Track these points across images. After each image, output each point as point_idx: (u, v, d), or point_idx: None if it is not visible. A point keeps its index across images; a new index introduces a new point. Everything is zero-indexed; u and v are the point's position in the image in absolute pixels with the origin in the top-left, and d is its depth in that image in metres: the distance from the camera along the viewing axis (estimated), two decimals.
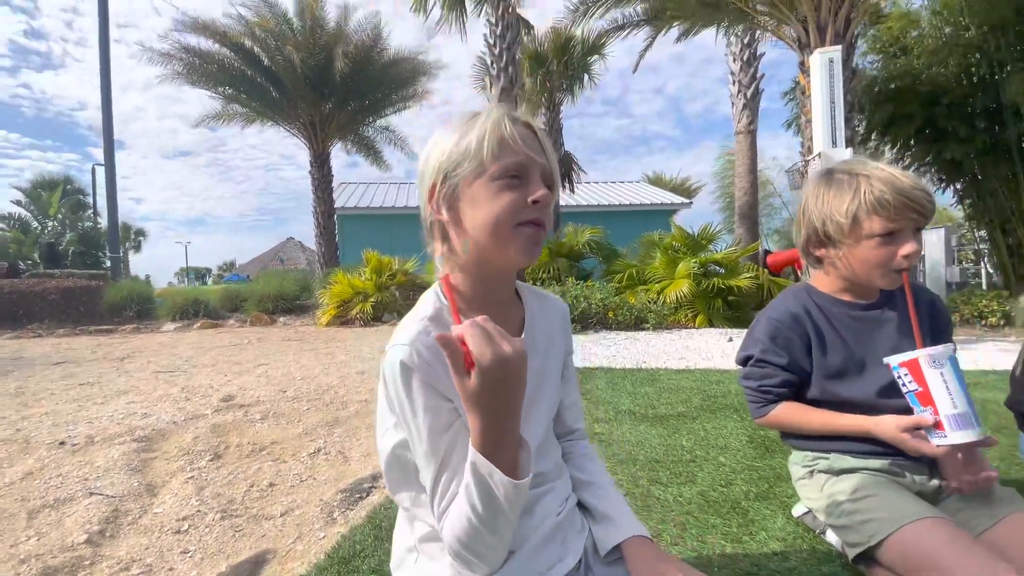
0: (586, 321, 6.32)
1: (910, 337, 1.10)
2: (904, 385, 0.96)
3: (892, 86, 6.76)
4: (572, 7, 7.98)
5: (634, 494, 1.54)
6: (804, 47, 5.79)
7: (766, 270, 7.33)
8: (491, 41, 9.21)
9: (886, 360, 0.99)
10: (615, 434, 2.13)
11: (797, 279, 7.23)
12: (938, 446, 0.93)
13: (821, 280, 1.21)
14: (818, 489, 1.16)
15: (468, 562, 0.64)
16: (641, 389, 2.95)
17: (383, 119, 14.24)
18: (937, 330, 1.16)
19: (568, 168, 12.21)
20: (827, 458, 1.16)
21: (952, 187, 7.50)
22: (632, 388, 2.98)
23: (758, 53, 10.92)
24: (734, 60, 11.05)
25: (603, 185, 19.84)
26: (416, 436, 0.66)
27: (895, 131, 6.95)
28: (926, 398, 0.93)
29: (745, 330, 1.34)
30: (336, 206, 13.58)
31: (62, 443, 2.25)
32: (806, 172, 5.68)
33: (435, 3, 10.04)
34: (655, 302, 6.67)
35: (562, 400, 0.90)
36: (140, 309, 9.02)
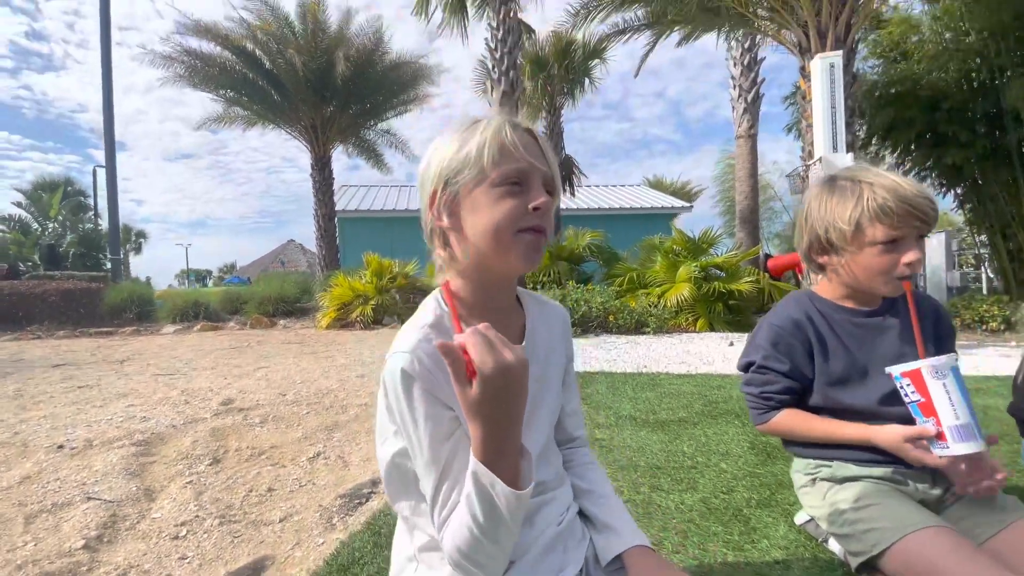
0: (586, 325, 6.32)
1: (912, 344, 1.10)
2: (906, 395, 0.96)
3: (893, 91, 6.78)
4: (573, 11, 8.01)
5: (635, 501, 1.53)
6: (805, 52, 5.80)
7: (767, 274, 7.32)
8: (492, 45, 9.24)
9: (888, 370, 0.98)
10: (616, 440, 2.12)
11: (798, 283, 7.23)
12: (940, 457, 0.93)
13: (823, 286, 1.20)
14: (820, 497, 1.15)
15: (468, 572, 0.63)
16: (642, 394, 2.94)
17: (384, 122, 14.30)
18: (940, 338, 1.16)
19: (569, 171, 12.23)
20: (830, 466, 1.15)
21: (953, 192, 7.50)
22: (633, 393, 2.97)
23: (759, 57, 10.96)
24: (735, 64, 11.08)
25: (604, 188, 19.86)
26: (416, 445, 0.66)
27: (896, 136, 6.96)
28: (928, 409, 0.92)
29: (746, 334, 1.34)
30: (337, 209, 13.61)
31: (60, 447, 2.24)
32: (807, 177, 5.68)
33: (436, 7, 10.08)
34: (656, 306, 6.66)
35: (563, 407, 0.89)
36: (140, 311, 9.02)
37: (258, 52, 11.71)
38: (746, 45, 10.70)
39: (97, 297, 9.09)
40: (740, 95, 11.03)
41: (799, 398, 1.18)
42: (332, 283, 8.50)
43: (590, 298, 6.48)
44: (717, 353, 4.55)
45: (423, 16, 10.18)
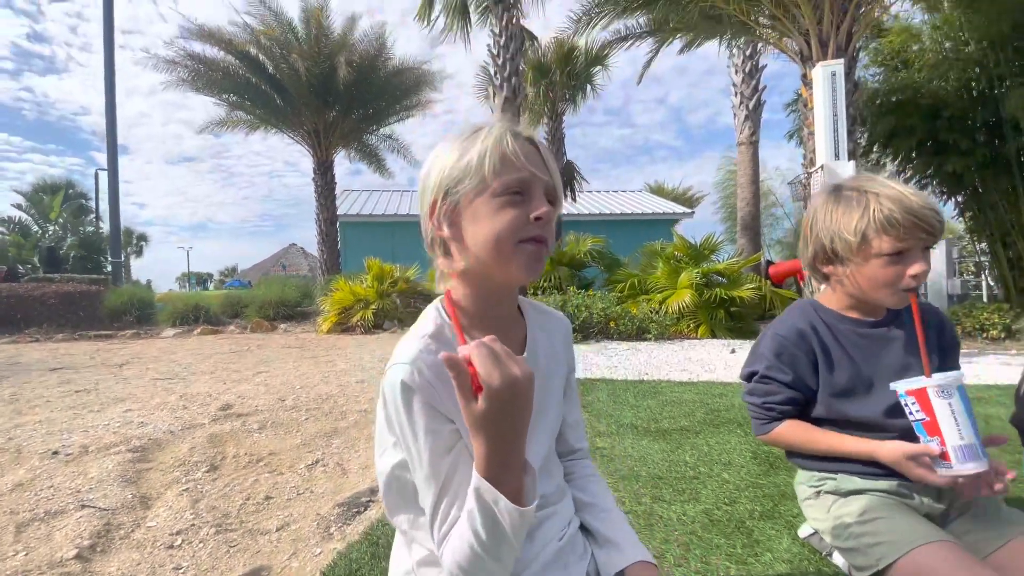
0: (587, 331, 6.30)
1: (917, 356, 1.08)
2: (911, 413, 0.95)
3: (894, 99, 6.80)
4: (575, 17, 8.05)
5: (637, 512, 1.51)
6: (806, 60, 5.82)
7: (768, 281, 7.32)
8: (495, 51, 9.28)
9: (893, 386, 0.97)
10: (617, 449, 2.11)
11: (799, 290, 7.22)
12: (942, 476, 0.92)
13: (828, 296, 1.19)
14: (825, 510, 1.14)
15: None
16: (643, 402, 2.92)
17: (386, 127, 14.35)
18: (944, 348, 1.14)
19: (570, 177, 12.25)
20: (834, 478, 1.13)
21: (953, 200, 7.51)
22: (634, 401, 2.95)
23: (760, 65, 11.01)
24: (736, 72, 11.13)
25: (605, 194, 19.89)
26: (416, 458, 0.64)
27: (897, 143, 6.98)
28: (933, 428, 0.91)
29: (747, 341, 1.33)
30: (339, 213, 13.62)
31: (55, 453, 2.22)
32: (808, 184, 5.68)
33: (439, 13, 10.14)
34: (657, 312, 6.65)
35: (564, 418, 0.88)
36: (140, 314, 9.01)
37: (261, 57, 11.77)
38: (748, 53, 10.75)
39: (97, 300, 9.09)
40: (742, 102, 11.07)
41: (802, 409, 1.17)
42: (333, 287, 8.51)
43: (591, 304, 6.47)
44: (719, 360, 4.53)
45: (426, 22, 10.24)
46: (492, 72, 9.48)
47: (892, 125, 6.79)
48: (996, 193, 6.74)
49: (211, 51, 11.52)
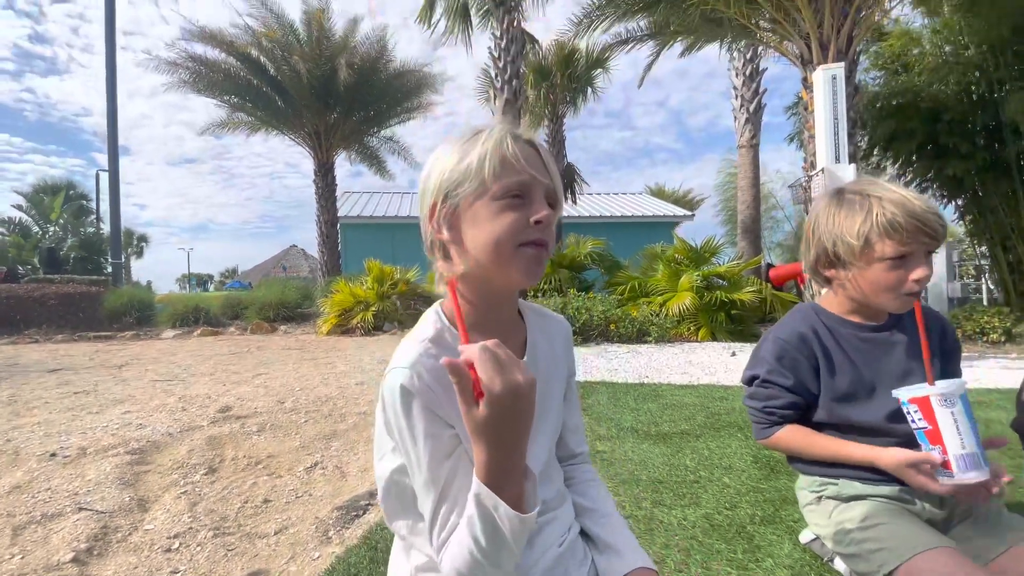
0: (588, 333, 6.29)
1: (919, 360, 1.08)
2: (913, 421, 0.94)
3: (894, 102, 6.81)
4: (576, 20, 8.06)
5: (637, 517, 1.50)
6: (807, 63, 5.83)
7: (769, 284, 7.31)
8: (496, 54, 9.31)
9: (895, 394, 0.97)
10: (618, 452, 2.10)
11: (800, 293, 7.21)
12: (943, 484, 0.91)
13: (829, 300, 1.19)
14: (826, 516, 1.13)
15: None
16: (644, 405, 2.91)
17: (387, 129, 14.37)
18: (946, 352, 1.14)
19: (571, 179, 12.26)
20: (835, 484, 1.13)
21: (953, 203, 7.52)
22: (635, 404, 2.95)
23: (760, 68, 11.03)
24: (737, 75, 11.15)
25: (606, 196, 19.90)
26: (415, 463, 0.64)
27: (897, 147, 6.98)
28: (935, 436, 0.91)
29: (748, 344, 1.32)
30: (339, 215, 13.64)
31: (53, 455, 2.21)
32: (809, 187, 5.68)
33: (440, 16, 10.17)
34: (657, 315, 6.64)
35: (565, 423, 0.87)
36: (140, 315, 9.00)
37: (263, 59, 11.79)
38: (748, 56, 10.78)
39: (97, 301, 9.08)
40: (742, 105, 11.08)
41: (803, 413, 1.16)
42: (333, 289, 8.51)
43: (591, 306, 6.47)
44: (719, 363, 4.53)
45: (427, 25, 10.27)
46: (493, 74, 9.51)
47: (892, 128, 6.80)
48: (996, 197, 6.74)
49: (212, 53, 11.56)
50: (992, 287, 8.27)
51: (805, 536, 1.29)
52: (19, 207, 22.55)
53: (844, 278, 1.09)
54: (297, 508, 1.72)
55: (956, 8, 6.45)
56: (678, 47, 8.47)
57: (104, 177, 15.38)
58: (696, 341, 6.35)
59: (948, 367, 1.12)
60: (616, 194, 20.62)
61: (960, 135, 6.51)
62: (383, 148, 14.69)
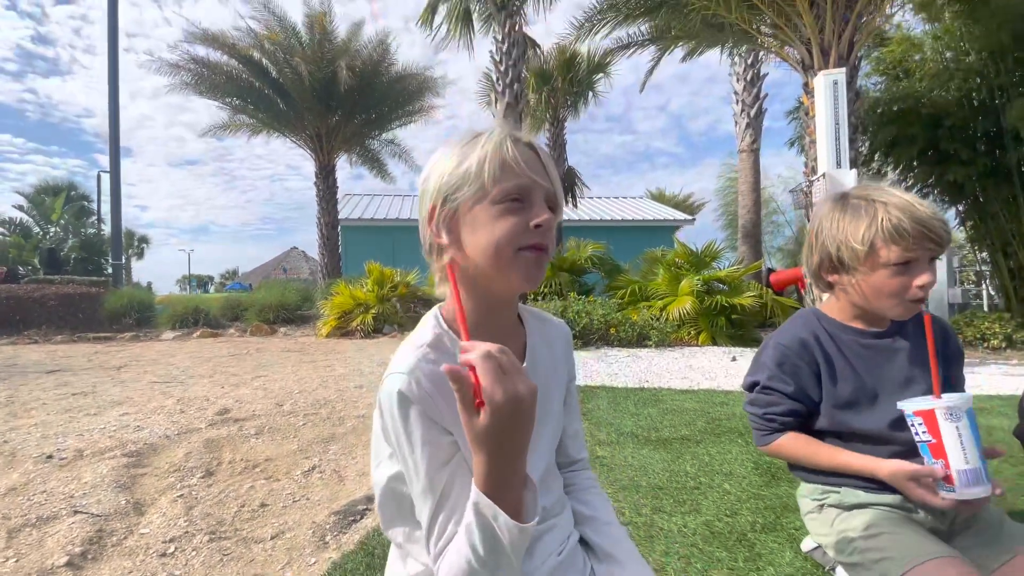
0: (588, 337, 6.28)
1: (922, 367, 1.07)
2: (917, 434, 0.93)
3: (895, 108, 6.81)
4: (577, 24, 8.08)
5: (637, 523, 1.49)
6: (808, 68, 5.84)
7: (769, 289, 7.31)
8: (497, 58, 9.33)
9: (900, 405, 0.96)
10: (617, 458, 2.08)
11: (800, 298, 7.20)
12: (944, 498, 0.90)
13: (831, 306, 1.18)
14: (828, 524, 1.12)
15: None
16: (644, 410, 2.90)
17: (388, 132, 14.39)
18: (947, 357, 1.13)
19: (571, 183, 12.28)
20: (838, 492, 1.12)
21: (954, 209, 7.52)
22: (635, 409, 2.93)
23: (761, 73, 11.05)
24: (737, 80, 11.17)
25: (606, 200, 19.93)
26: (413, 470, 0.63)
27: (898, 152, 6.99)
28: (939, 450, 0.90)
29: (748, 349, 1.31)
30: (340, 217, 13.65)
31: (50, 457, 2.20)
32: (810, 192, 5.68)
33: (443, 20, 10.20)
34: (657, 319, 6.63)
35: (564, 429, 0.86)
36: (140, 317, 8.99)
37: (265, 61, 11.82)
38: (749, 61, 10.80)
39: (97, 302, 9.07)
40: (743, 110, 11.10)
41: (804, 420, 1.15)
42: (333, 291, 8.50)
43: (591, 310, 6.45)
44: (719, 368, 4.51)
45: (428, 28, 10.30)
46: (494, 78, 9.53)
47: (893, 134, 6.80)
48: (997, 203, 6.74)
49: (215, 55, 11.59)
50: (993, 293, 8.26)
51: (807, 544, 1.27)
52: (20, 207, 22.57)
53: (847, 283, 1.09)
54: (294, 512, 1.70)
55: (957, 15, 6.46)
56: (679, 52, 8.49)
57: (105, 178, 15.41)
58: (696, 345, 6.34)
59: (950, 373, 1.11)
60: (617, 198, 20.65)
61: (961, 141, 6.52)
62: (384, 151, 14.72)
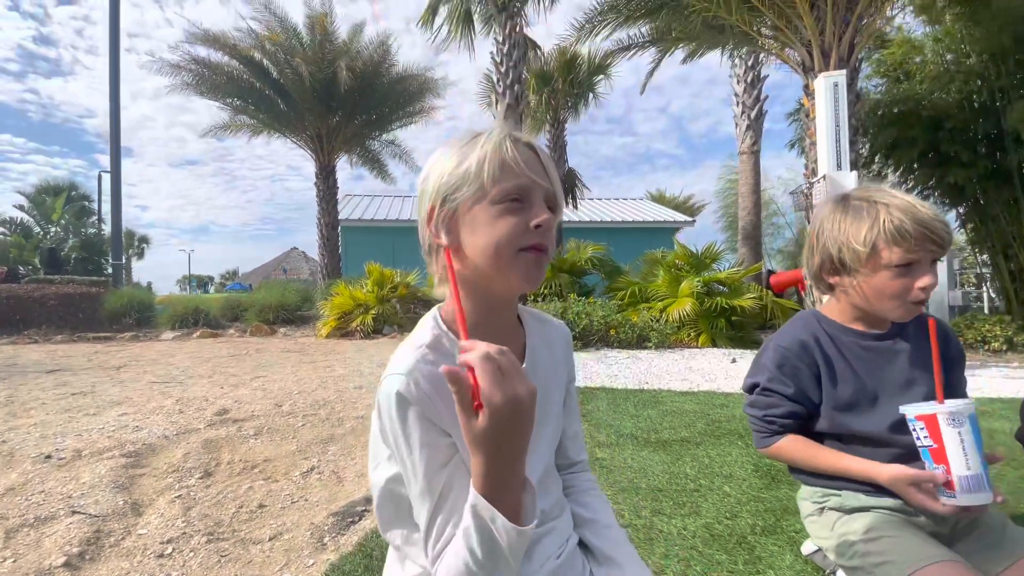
0: (587, 338, 6.27)
1: (922, 369, 1.07)
2: (918, 438, 0.93)
3: (895, 110, 6.81)
4: (578, 25, 8.09)
5: (636, 526, 1.48)
6: (808, 70, 5.84)
7: (769, 291, 7.30)
8: (498, 59, 9.34)
9: (902, 410, 0.95)
10: (617, 460, 2.08)
11: (800, 300, 7.20)
12: (944, 504, 0.90)
13: (831, 307, 1.17)
14: (829, 527, 1.11)
15: None
16: (643, 411, 2.89)
17: (389, 133, 14.40)
18: (949, 360, 1.13)
19: (572, 184, 12.28)
20: (838, 495, 1.11)
21: (955, 211, 7.51)
22: (634, 410, 2.93)
23: (762, 75, 11.06)
24: (738, 82, 11.18)
25: (606, 202, 19.93)
26: (411, 472, 0.63)
27: (898, 154, 6.99)
28: (940, 456, 0.89)
29: (748, 351, 1.31)
30: (340, 218, 13.66)
31: (48, 457, 2.20)
32: (810, 194, 5.68)
33: (443, 21, 10.21)
34: (657, 320, 6.62)
35: (564, 430, 0.86)
36: (140, 317, 8.99)
37: (265, 62, 11.84)
38: (750, 63, 10.80)
39: (97, 302, 9.07)
40: (743, 112, 11.10)
41: (804, 423, 1.15)
42: (333, 292, 8.50)
43: (591, 311, 6.45)
44: (719, 370, 4.51)
45: (429, 29, 10.31)
46: (495, 79, 9.54)
47: (894, 136, 6.80)
48: (998, 205, 6.73)
49: (216, 55, 11.61)
50: (993, 295, 8.26)
51: (807, 547, 1.27)
52: (21, 207, 22.58)
53: (848, 285, 1.08)
54: (292, 513, 1.70)
55: (958, 17, 6.47)
56: (680, 54, 8.50)
57: (106, 178, 15.42)
58: (696, 347, 6.33)
59: (951, 375, 1.10)
60: (617, 199, 20.66)
61: (962, 143, 6.52)
62: (385, 152, 14.74)
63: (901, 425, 1.02)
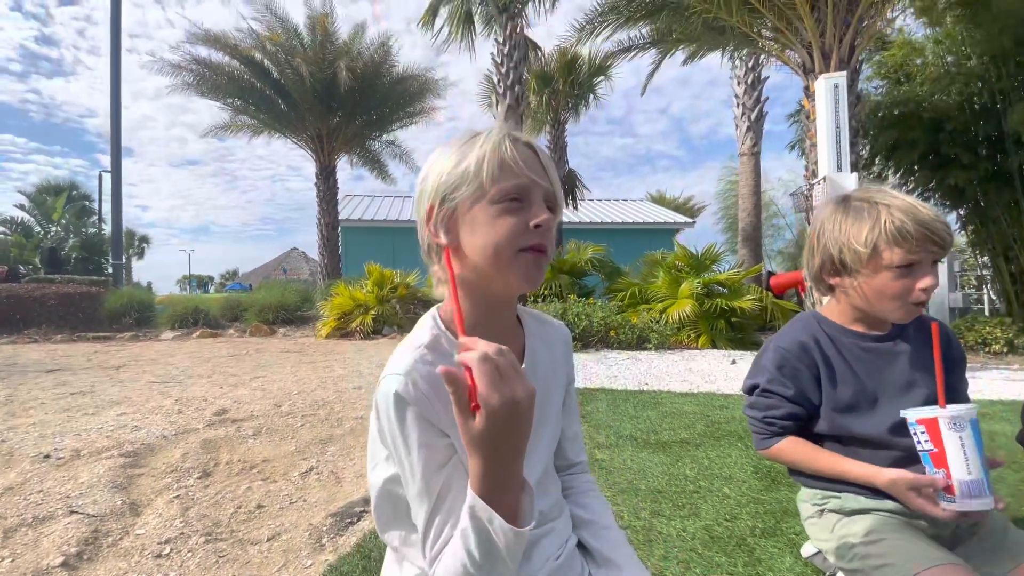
0: (587, 339, 6.27)
1: (923, 371, 1.06)
2: (919, 442, 0.92)
3: (896, 112, 6.82)
4: (578, 26, 8.09)
5: (636, 527, 1.48)
6: (809, 72, 5.84)
7: (769, 292, 7.30)
8: (499, 60, 9.34)
9: (903, 413, 0.95)
10: (616, 461, 2.07)
11: (800, 302, 7.20)
12: (944, 509, 0.89)
13: (832, 309, 1.17)
14: (828, 530, 1.11)
15: None
16: (643, 413, 2.89)
17: (389, 134, 14.41)
18: (950, 361, 1.12)
19: (572, 185, 12.29)
20: (838, 497, 1.11)
21: (955, 213, 7.52)
22: (634, 412, 2.92)
23: (762, 76, 11.06)
24: (738, 83, 11.18)
25: (607, 203, 19.93)
26: (409, 473, 0.62)
27: (899, 156, 6.99)
28: (940, 460, 0.89)
29: (748, 352, 1.31)
30: (340, 218, 13.66)
31: (47, 456, 2.19)
32: (811, 195, 5.68)
33: (444, 22, 10.22)
34: (657, 321, 6.62)
35: (563, 431, 0.86)
36: (140, 316, 8.99)
37: (266, 62, 11.85)
38: (750, 64, 10.81)
39: (97, 302, 9.07)
40: (744, 113, 11.10)
41: (804, 424, 1.14)
42: (333, 292, 8.49)
43: (591, 312, 6.45)
44: (719, 371, 4.50)
45: (430, 30, 10.32)
46: (496, 80, 9.54)
47: (894, 138, 6.80)
48: (998, 207, 6.73)
49: (216, 56, 11.62)
50: (994, 297, 8.25)
51: (807, 550, 1.26)
52: (21, 207, 22.59)
53: (849, 286, 1.08)
54: (291, 514, 1.69)
55: (958, 19, 6.47)
56: (680, 55, 8.50)
57: (107, 178, 15.43)
58: (696, 348, 6.33)
59: (952, 377, 1.10)
60: (617, 200, 20.66)
61: (962, 145, 6.52)
62: (385, 152, 14.75)
63: (901, 427, 1.02)
